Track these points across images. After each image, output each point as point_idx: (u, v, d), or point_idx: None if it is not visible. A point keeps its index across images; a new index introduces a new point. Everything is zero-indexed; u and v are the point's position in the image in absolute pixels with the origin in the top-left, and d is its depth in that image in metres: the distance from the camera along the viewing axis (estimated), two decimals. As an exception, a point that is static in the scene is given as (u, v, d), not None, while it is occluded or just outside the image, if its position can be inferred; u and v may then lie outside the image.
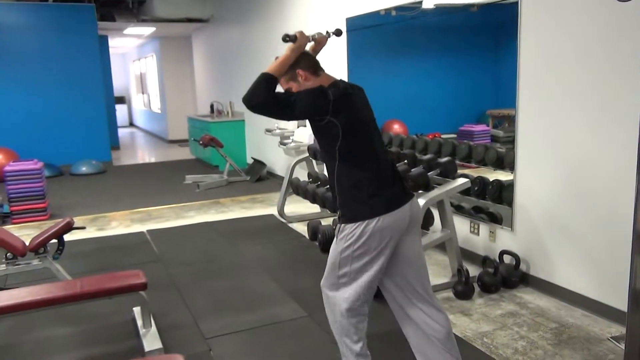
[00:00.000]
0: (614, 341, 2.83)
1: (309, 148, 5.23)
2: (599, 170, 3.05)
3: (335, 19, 5.68)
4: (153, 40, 13.65)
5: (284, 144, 6.52)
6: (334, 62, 5.84)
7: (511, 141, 3.66)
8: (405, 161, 4.10)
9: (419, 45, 5.35)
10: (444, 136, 4.86)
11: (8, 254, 3.52)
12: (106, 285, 2.80)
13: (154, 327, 3.03)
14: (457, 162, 4.11)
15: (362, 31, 5.34)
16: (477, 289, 3.54)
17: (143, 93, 16.55)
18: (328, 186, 2.34)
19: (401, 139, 5.04)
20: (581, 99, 3.10)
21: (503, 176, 3.88)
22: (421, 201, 3.39)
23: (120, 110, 16.91)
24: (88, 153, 9.42)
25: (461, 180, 3.58)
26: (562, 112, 3.23)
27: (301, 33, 2.20)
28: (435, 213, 3.74)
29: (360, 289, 2.18)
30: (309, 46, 2.33)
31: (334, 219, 4.85)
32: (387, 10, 4.79)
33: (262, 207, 6.22)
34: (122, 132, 15.32)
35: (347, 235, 2.13)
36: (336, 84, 2.18)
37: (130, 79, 18.32)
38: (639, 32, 2.74)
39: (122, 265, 4.26)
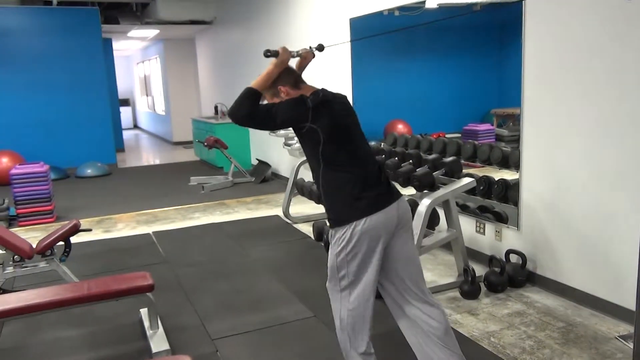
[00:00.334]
0: (622, 340, 2.82)
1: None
2: (606, 168, 3.04)
3: (338, 20, 5.68)
4: (157, 42, 13.69)
5: (289, 145, 6.53)
6: (338, 63, 5.85)
7: (516, 140, 3.65)
8: (410, 161, 4.10)
9: (423, 45, 5.35)
10: (448, 136, 4.85)
11: (15, 257, 3.54)
12: (113, 287, 2.81)
13: (161, 329, 3.04)
14: (462, 161, 4.10)
15: (366, 31, 5.34)
16: (483, 288, 3.53)
17: (147, 95, 16.60)
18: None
19: (406, 138, 5.04)
20: (587, 96, 3.09)
21: (508, 175, 3.87)
22: (426, 201, 3.39)
23: (125, 112, 16.96)
24: (93, 155, 9.45)
25: (466, 180, 3.58)
26: (567, 109, 3.22)
27: (283, 49, 2.29)
28: (441, 213, 3.73)
29: (362, 288, 2.22)
30: (295, 62, 2.42)
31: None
32: (390, 10, 4.79)
33: (267, 208, 6.23)
34: (127, 135, 15.37)
35: (339, 239, 2.19)
36: (316, 92, 2.26)
37: (135, 82, 18.39)
38: (644, 30, 2.73)
39: (129, 266, 4.28)
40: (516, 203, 3.69)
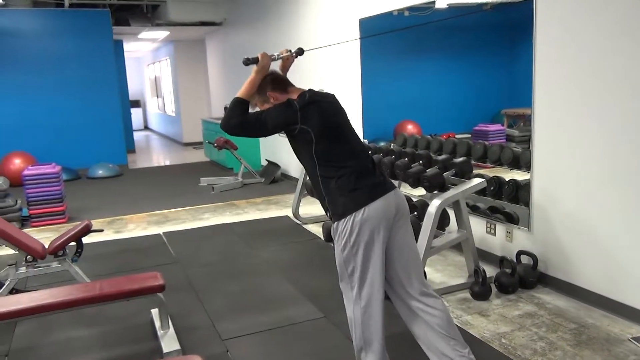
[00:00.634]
0: (634, 342, 2.80)
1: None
2: (618, 168, 3.02)
3: (348, 21, 5.68)
4: (167, 44, 13.76)
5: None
6: (347, 64, 5.85)
7: (527, 140, 3.63)
8: (420, 162, 4.09)
9: (433, 45, 5.33)
10: (458, 136, 4.84)
11: (28, 257, 3.57)
12: (124, 287, 2.83)
13: (171, 329, 3.05)
14: (473, 162, 4.09)
15: (375, 32, 5.33)
16: (494, 289, 3.52)
17: (158, 96, 16.69)
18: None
19: (415, 139, 5.03)
20: (599, 95, 3.07)
21: (519, 176, 3.85)
22: (437, 202, 3.38)
23: (136, 113, 17.06)
24: (104, 156, 9.53)
25: (477, 181, 3.56)
26: (579, 109, 3.20)
27: (263, 54, 2.35)
28: (451, 213, 3.72)
29: (371, 280, 2.26)
30: (277, 64, 2.48)
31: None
32: (400, 11, 4.78)
33: (276, 209, 6.24)
34: (138, 136, 15.45)
35: (341, 233, 2.25)
36: (303, 94, 2.32)
37: (145, 83, 18.49)
38: (657, 29, 2.71)
39: (140, 267, 4.30)
40: (527, 204, 3.66)
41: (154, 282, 2.88)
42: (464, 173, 3.83)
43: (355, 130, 2.42)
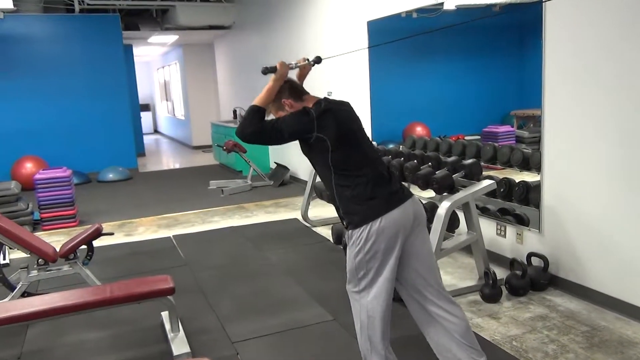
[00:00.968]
0: (648, 345, 2.77)
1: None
2: (629, 170, 2.99)
3: (356, 23, 5.68)
4: (176, 48, 13.84)
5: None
6: (356, 66, 5.85)
7: (537, 142, 3.61)
8: (430, 163, 4.08)
9: (441, 46, 5.32)
10: (467, 138, 4.82)
11: (40, 260, 3.60)
12: (135, 290, 2.84)
13: (181, 332, 3.06)
14: (482, 163, 4.07)
15: (383, 34, 5.33)
16: (504, 291, 3.49)
17: (167, 100, 16.78)
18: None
19: (425, 141, 5.01)
20: (609, 96, 3.04)
21: (529, 177, 3.83)
22: (446, 204, 3.37)
23: (145, 117, 17.17)
24: (115, 160, 9.59)
25: (486, 182, 3.54)
26: (589, 110, 3.18)
27: (281, 63, 2.33)
28: (461, 215, 3.70)
29: (380, 288, 2.24)
30: (294, 73, 2.47)
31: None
32: (408, 13, 4.78)
33: (286, 212, 6.24)
34: (147, 139, 15.53)
35: (356, 240, 2.23)
36: (319, 102, 2.31)
37: (155, 87, 18.60)
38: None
39: (150, 270, 4.32)
40: (537, 205, 3.64)
41: (164, 285, 2.89)
42: (474, 175, 3.81)
43: (369, 138, 2.41)
